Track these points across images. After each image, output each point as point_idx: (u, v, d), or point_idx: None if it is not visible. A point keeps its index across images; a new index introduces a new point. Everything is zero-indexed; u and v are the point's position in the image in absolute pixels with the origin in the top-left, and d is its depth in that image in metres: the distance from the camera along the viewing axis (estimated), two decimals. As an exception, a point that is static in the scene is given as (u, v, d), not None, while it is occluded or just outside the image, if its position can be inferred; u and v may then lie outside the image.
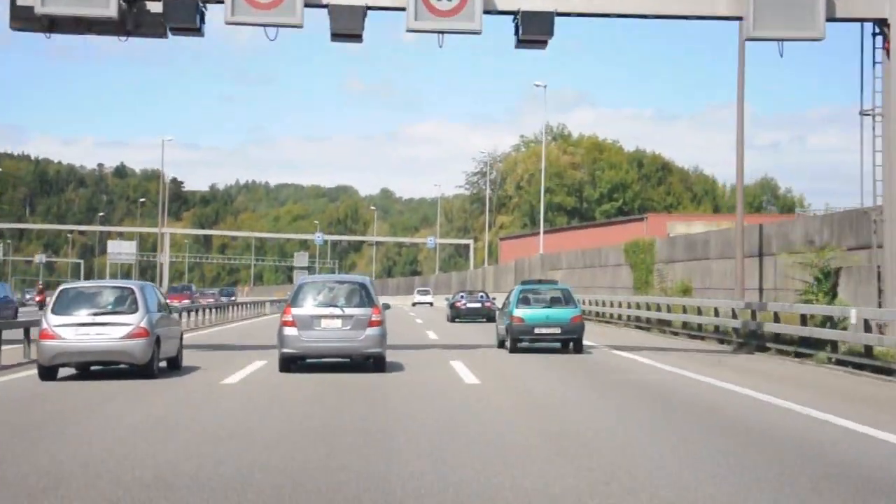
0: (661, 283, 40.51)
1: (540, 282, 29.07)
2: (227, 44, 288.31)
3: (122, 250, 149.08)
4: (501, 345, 25.63)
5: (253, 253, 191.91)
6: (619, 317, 39.99)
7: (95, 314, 17.54)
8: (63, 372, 18.17)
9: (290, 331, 18.55)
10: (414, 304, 79.26)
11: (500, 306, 30.10)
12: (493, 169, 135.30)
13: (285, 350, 18.66)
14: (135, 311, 17.58)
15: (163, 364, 19.02)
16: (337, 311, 18.54)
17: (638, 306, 37.62)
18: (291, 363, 18.84)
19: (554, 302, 24.86)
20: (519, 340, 24.27)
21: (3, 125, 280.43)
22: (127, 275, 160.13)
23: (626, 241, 46.35)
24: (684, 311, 32.41)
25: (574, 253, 58.22)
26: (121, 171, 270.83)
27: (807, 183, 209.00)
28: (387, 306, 20.19)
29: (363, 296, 18.87)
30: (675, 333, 32.74)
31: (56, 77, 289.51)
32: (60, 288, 18.40)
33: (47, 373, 17.54)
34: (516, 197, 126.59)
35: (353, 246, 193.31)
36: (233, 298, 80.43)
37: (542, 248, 63.12)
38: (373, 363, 18.97)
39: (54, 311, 17.59)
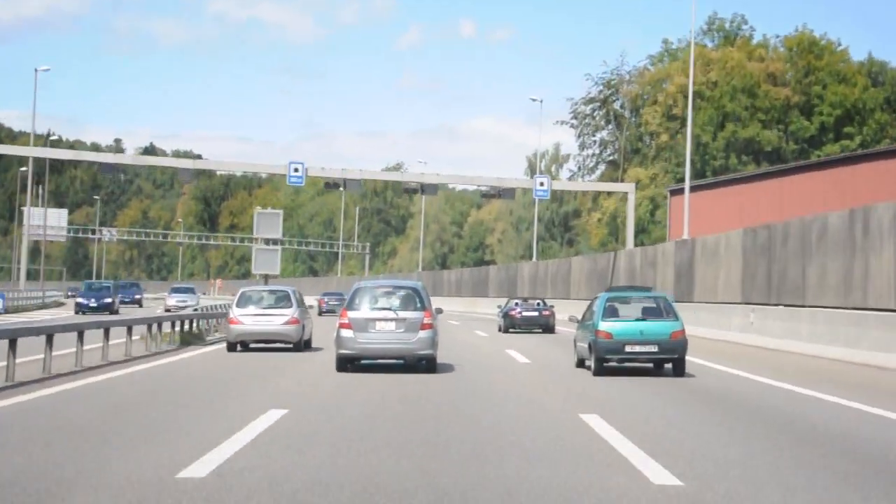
0: None
1: (631, 288, 23.93)
2: (283, 38, 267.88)
3: (48, 222, 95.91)
4: (581, 364, 20.56)
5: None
6: None
7: (265, 308, 25.05)
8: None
9: (346, 333, 19.18)
10: None
11: (578, 318, 21.64)
12: (619, 92, 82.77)
13: (342, 351, 19.29)
14: (290, 306, 24.98)
15: None
16: (391, 315, 19.12)
17: None
18: (348, 363, 19.39)
19: (648, 313, 19.46)
20: (605, 360, 19.03)
21: (61, 118, 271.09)
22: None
23: None
24: None
25: None
26: (149, 152, 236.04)
27: None
28: (439, 310, 20.46)
29: (416, 300, 19.35)
30: None
31: (113, 69, 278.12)
32: (241, 291, 26.52)
33: (232, 346, 24.95)
34: (664, 133, 74.36)
35: (394, 227, 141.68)
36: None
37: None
38: (425, 364, 19.25)
39: (237, 305, 25.08)
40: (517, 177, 46.32)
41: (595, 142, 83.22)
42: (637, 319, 19.18)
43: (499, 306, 42.65)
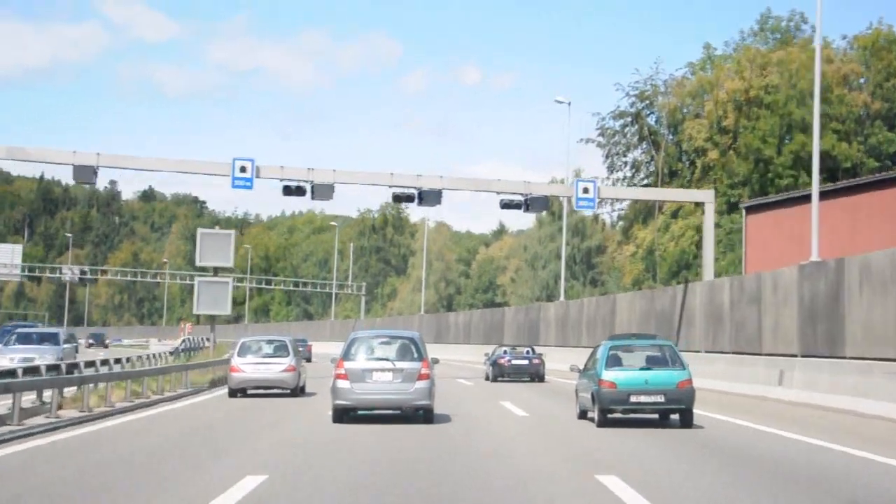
0: None
1: (634, 336, 21.13)
2: (286, 81, 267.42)
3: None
4: (584, 416, 19.65)
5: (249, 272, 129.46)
6: None
7: (264, 356, 26.58)
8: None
9: (342, 383, 18.65)
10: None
11: (579, 367, 20.57)
12: (653, 105, 70.95)
13: (338, 402, 18.72)
14: (287, 355, 26.62)
15: None
16: (388, 365, 18.74)
17: None
18: (344, 414, 18.88)
19: (653, 362, 18.49)
20: (609, 411, 18.17)
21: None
22: None
23: None
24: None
25: None
26: (148, 195, 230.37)
27: None
28: (435, 360, 19.92)
29: (412, 350, 19.02)
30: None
31: (117, 116, 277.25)
32: (241, 340, 27.92)
33: (234, 393, 26.41)
34: (713, 150, 62.30)
35: (394, 266, 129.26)
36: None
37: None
38: (422, 415, 18.99)
39: (238, 355, 26.65)
40: (548, 183, 33.42)
41: (626, 163, 71.16)
42: (642, 368, 18.32)
43: (486, 354, 41.33)
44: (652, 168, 70.06)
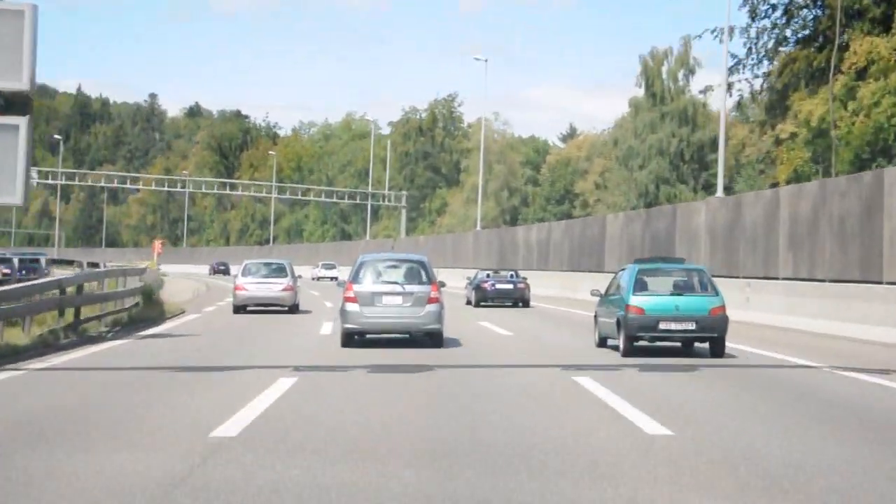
0: None
1: (662, 259, 21.11)
2: (340, 4, 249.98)
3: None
4: (603, 343, 18.66)
5: (274, 190, 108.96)
6: None
7: (265, 276, 30.46)
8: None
9: (352, 307, 18.74)
10: (317, 279, 71.95)
11: (601, 291, 19.58)
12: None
13: (347, 325, 18.83)
14: (286, 276, 30.48)
15: None
16: (397, 289, 18.86)
17: None
18: (352, 338, 18.94)
19: (683, 287, 17.82)
20: (636, 339, 17.33)
21: (127, 87, 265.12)
22: None
23: None
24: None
25: None
26: (194, 111, 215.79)
27: None
28: (442, 284, 19.91)
29: (421, 273, 19.20)
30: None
31: (172, 38, 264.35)
32: (245, 263, 31.72)
33: (237, 309, 29.94)
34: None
35: (445, 175, 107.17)
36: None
37: None
38: (431, 339, 19.00)
39: (242, 275, 30.61)
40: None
41: (774, 6, 48.30)
42: (672, 294, 17.48)
43: (468, 278, 39.87)
44: (816, 11, 47.46)
